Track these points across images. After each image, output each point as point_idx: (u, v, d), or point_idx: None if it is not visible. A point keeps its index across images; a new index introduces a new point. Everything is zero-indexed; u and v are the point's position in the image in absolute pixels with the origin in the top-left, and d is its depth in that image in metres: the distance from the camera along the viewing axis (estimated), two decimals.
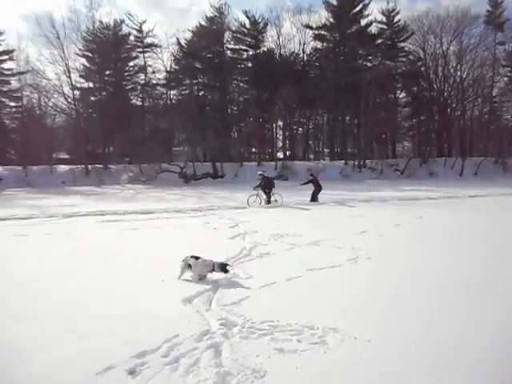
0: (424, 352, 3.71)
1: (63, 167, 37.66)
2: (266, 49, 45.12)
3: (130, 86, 44.16)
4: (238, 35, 44.37)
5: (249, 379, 3.30)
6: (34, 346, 3.90)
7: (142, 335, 4.05)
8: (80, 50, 40.61)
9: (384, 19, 44.99)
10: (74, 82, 39.14)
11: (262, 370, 3.42)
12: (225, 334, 4.09)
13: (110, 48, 40.25)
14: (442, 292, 5.35)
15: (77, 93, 40.22)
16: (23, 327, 4.38)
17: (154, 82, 44.25)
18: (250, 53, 45.00)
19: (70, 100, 39.07)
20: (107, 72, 42.00)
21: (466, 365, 3.49)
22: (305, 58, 46.55)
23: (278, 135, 49.04)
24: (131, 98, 44.66)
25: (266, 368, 3.45)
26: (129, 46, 43.30)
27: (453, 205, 16.27)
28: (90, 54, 41.11)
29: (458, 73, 44.32)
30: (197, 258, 6.10)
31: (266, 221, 12.36)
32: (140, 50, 43.42)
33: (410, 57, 45.32)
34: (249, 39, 44.30)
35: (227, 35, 43.89)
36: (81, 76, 41.64)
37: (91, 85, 42.53)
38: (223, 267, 6.04)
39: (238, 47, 45.01)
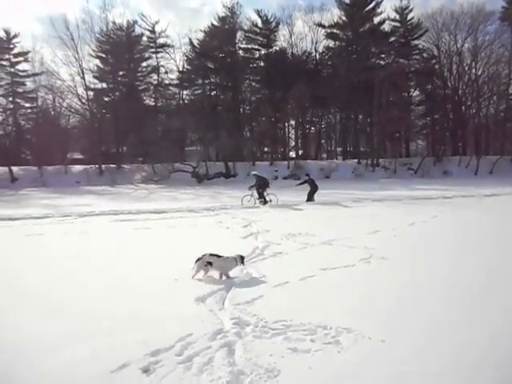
0: (438, 352, 3.67)
1: (77, 167, 38.08)
2: (278, 48, 45.07)
3: (143, 87, 44.47)
4: (250, 35, 44.37)
5: (262, 378, 3.29)
6: (51, 345, 3.94)
7: (155, 334, 4.07)
8: (94, 51, 41.09)
9: (397, 17, 44.59)
10: (87, 83, 39.62)
11: (275, 369, 3.42)
12: (238, 333, 4.09)
13: (123, 49, 40.60)
14: (460, 292, 5.28)
15: (91, 93, 40.70)
16: (40, 326, 4.43)
17: (167, 82, 44.58)
18: (262, 52, 44.96)
19: (83, 101, 39.52)
20: (120, 73, 42.36)
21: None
22: (317, 56, 46.41)
23: (290, 134, 49.00)
24: (144, 98, 44.98)
25: (280, 367, 3.44)
26: (142, 47, 43.61)
27: (468, 204, 16.06)
28: (104, 55, 41.52)
29: (473, 70, 43.75)
30: (218, 256, 6.17)
31: (279, 220, 12.34)
32: (153, 50, 43.71)
33: (424, 54, 44.81)
34: (261, 38, 44.27)
35: (239, 35, 43.99)
36: (94, 77, 42.09)
37: (105, 85, 42.97)
38: (242, 259, 6.33)
39: (250, 47, 45.01)
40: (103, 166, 37.46)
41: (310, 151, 49.70)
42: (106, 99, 43.17)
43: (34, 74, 41.60)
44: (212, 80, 44.19)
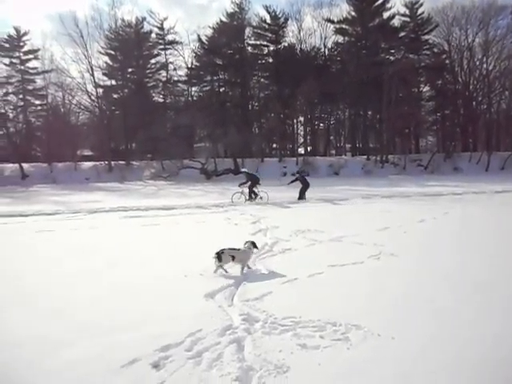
0: (447, 351, 3.65)
1: (87, 164, 38.32)
2: (286, 44, 44.86)
3: (151, 83, 44.57)
4: (259, 31, 44.22)
5: (271, 374, 3.30)
6: (62, 341, 3.98)
7: (165, 329, 4.09)
8: (103, 48, 41.23)
9: (407, 12, 44.16)
10: (97, 80, 39.81)
11: (284, 365, 3.43)
12: (247, 329, 4.10)
13: (132, 46, 40.69)
14: (470, 290, 5.24)
15: (100, 90, 40.84)
16: (51, 322, 4.48)
17: (176, 78, 44.64)
18: (271, 48, 44.80)
19: (93, 98, 39.74)
20: (129, 69, 42.48)
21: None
22: (326, 52, 46.12)
23: (299, 131, 48.80)
24: (153, 94, 45.10)
25: (289, 364, 3.45)
26: (150, 44, 43.68)
27: (479, 201, 15.90)
28: (113, 52, 41.65)
29: (484, 65, 43.16)
30: (235, 249, 6.30)
31: (288, 217, 12.34)
32: (161, 47, 43.76)
33: (434, 49, 44.34)
34: (269, 34, 44.10)
35: (248, 31, 43.87)
36: (104, 74, 42.25)
37: (114, 82, 43.11)
38: (255, 245, 6.66)
39: (258, 43, 44.85)
40: (112, 162, 37.65)
41: (319, 147, 49.52)
42: (115, 96, 43.32)
43: (44, 72, 41.87)
44: (220, 76, 44.15)
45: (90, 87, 39.53)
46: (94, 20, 39.62)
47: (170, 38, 43.53)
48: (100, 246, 8.61)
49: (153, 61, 44.40)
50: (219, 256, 6.12)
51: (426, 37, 44.33)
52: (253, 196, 16.80)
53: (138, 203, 16.73)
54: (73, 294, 5.39)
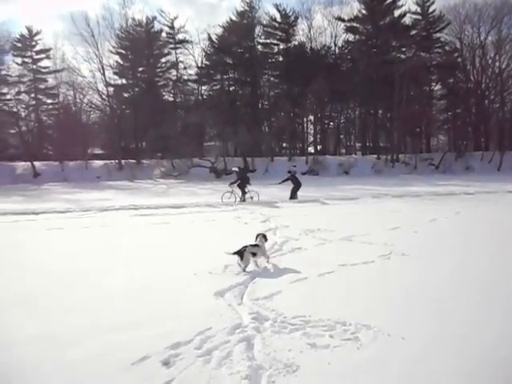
0: (461, 352, 3.61)
1: (98, 162, 38.64)
2: (297, 42, 44.83)
3: (162, 82, 44.79)
4: (269, 29, 44.19)
5: (281, 373, 3.29)
6: (73, 338, 4.01)
7: (175, 327, 4.10)
8: (113, 47, 41.60)
9: (418, 9, 43.86)
10: (107, 79, 40.22)
11: (294, 364, 3.41)
12: (257, 328, 4.09)
13: (143, 45, 40.93)
14: (485, 291, 5.18)
15: (111, 89, 41.19)
16: (62, 319, 4.52)
17: (186, 77, 44.86)
18: (281, 47, 44.76)
19: (104, 96, 40.12)
20: (140, 69, 42.74)
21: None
22: (336, 50, 46.02)
23: (308, 129, 48.73)
24: (163, 93, 45.33)
25: (299, 363, 3.43)
26: (161, 43, 43.89)
27: (491, 200, 15.73)
28: (124, 51, 41.94)
29: (497, 63, 42.75)
30: (256, 245, 6.39)
31: (297, 216, 12.30)
32: (172, 46, 43.96)
33: (446, 48, 43.94)
34: (280, 33, 44.06)
35: (258, 29, 43.94)
36: (114, 73, 42.61)
37: (124, 81, 43.44)
38: (266, 237, 6.82)
39: (268, 41, 44.85)
40: (123, 161, 37.92)
41: (329, 146, 49.39)
42: (126, 95, 43.63)
43: (56, 71, 42.35)
44: (230, 75, 44.23)
45: (100, 86, 40.00)
46: (105, 19, 40.22)
47: (180, 37, 43.84)
48: (110, 244, 8.66)
49: (163, 60, 44.64)
50: (242, 254, 6.15)
51: (438, 35, 43.99)
52: (250, 196, 16.69)
53: (148, 201, 16.83)
54: (83, 291, 5.43)
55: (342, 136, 50.63)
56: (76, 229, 10.78)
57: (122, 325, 4.25)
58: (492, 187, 20.45)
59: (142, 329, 4.12)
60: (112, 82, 42.17)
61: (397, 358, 3.51)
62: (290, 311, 4.46)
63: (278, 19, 44.05)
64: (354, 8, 44.60)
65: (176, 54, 43.92)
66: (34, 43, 42.34)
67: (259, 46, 44.47)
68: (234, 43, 42.08)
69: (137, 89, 42.50)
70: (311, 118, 45.93)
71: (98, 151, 45.11)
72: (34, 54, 42.42)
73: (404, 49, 44.08)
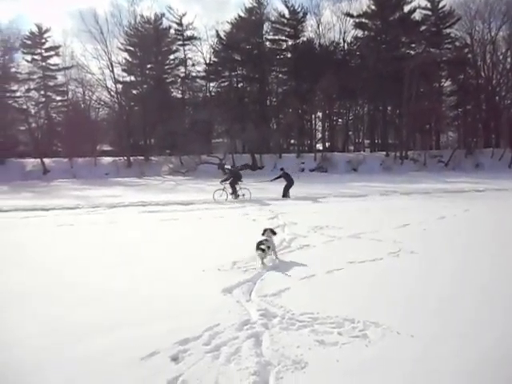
0: (470, 351, 3.59)
1: (106, 159, 38.82)
2: (305, 39, 44.50)
3: (170, 79, 44.80)
4: (277, 25, 43.97)
5: (289, 370, 3.30)
6: (82, 333, 4.05)
7: (184, 323, 4.12)
8: (122, 44, 41.64)
9: (428, 5, 43.32)
10: (116, 76, 40.27)
11: (302, 361, 3.42)
12: (265, 325, 4.11)
13: (151, 42, 40.93)
14: (495, 290, 5.14)
15: (119, 86, 41.25)
16: (70, 315, 4.56)
17: (194, 74, 44.82)
18: (290, 43, 44.52)
19: (112, 93, 40.21)
20: (148, 65, 42.76)
21: None
22: (345, 47, 45.61)
23: (317, 126, 48.53)
24: (172, 90, 45.33)
25: (307, 359, 3.44)
26: (169, 40, 43.87)
27: (501, 198, 15.60)
28: (132, 48, 41.98)
29: (508, 59, 42.09)
30: (267, 240, 6.56)
31: (306, 213, 12.28)
32: (180, 43, 43.91)
33: (456, 43, 43.40)
34: (288, 29, 43.81)
35: (266, 26, 43.69)
36: (123, 70, 42.68)
37: (133, 78, 43.49)
38: (274, 231, 7.05)
39: (277, 38, 44.62)
40: (131, 157, 38.06)
41: (337, 143, 49.14)
42: (135, 92, 43.71)
43: (65, 68, 42.57)
44: (239, 72, 44.12)
45: (109, 83, 40.07)
46: (113, 16, 40.13)
47: (188, 33, 43.71)
48: (119, 241, 8.71)
49: (171, 57, 44.61)
50: (263, 248, 6.27)
51: (448, 30, 43.44)
52: (241, 194, 16.59)
53: (156, 198, 16.90)
54: (90, 287, 5.47)
55: (350, 133, 50.34)
56: (85, 225, 10.87)
57: (131, 320, 4.28)
58: (502, 184, 20.25)
59: (151, 324, 4.15)
60: (121, 79, 42.28)
61: (405, 356, 3.50)
62: (298, 308, 4.46)
63: (287, 15, 43.80)
64: (363, 3, 44.21)
65: (184, 50, 43.91)
66: (43, 41, 42.52)
67: (267, 43, 44.28)
68: (243, 40, 41.95)
69: (145, 86, 42.54)
70: (319, 114, 45.70)
71: (106, 148, 45.32)
72: (43, 51, 42.60)
73: (414, 45, 43.64)
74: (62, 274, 6.16)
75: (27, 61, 42.46)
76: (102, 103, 42.75)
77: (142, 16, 42.30)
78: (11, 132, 40.30)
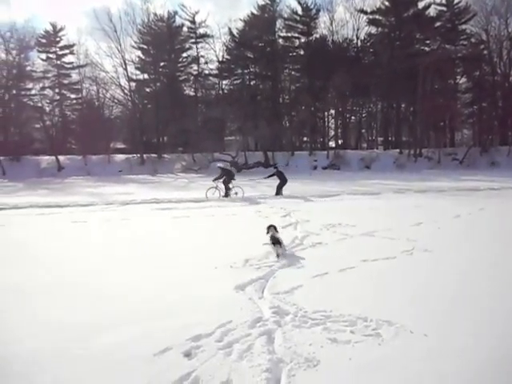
0: (484, 351, 3.54)
1: (120, 156, 39.17)
2: (318, 36, 44.27)
3: (183, 77, 44.95)
4: (290, 23, 43.80)
5: (301, 367, 3.29)
6: (96, 328, 4.10)
7: (196, 320, 4.14)
8: (135, 42, 41.92)
9: (443, 1, 42.73)
10: (130, 74, 40.62)
11: (314, 359, 3.41)
12: (277, 322, 4.10)
13: (164, 40, 41.12)
14: (507, 289, 5.07)
15: (133, 84, 41.57)
16: (85, 310, 4.61)
17: (207, 72, 44.89)
18: (302, 40, 44.34)
19: (126, 91, 40.56)
20: (161, 63, 42.98)
21: None
22: (358, 44, 45.28)
23: (330, 124, 48.29)
24: (184, 88, 45.49)
25: (319, 357, 3.43)
26: (182, 38, 44.01)
27: None
28: (145, 46, 42.23)
29: None
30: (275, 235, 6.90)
31: (318, 210, 12.23)
32: (193, 40, 44.02)
33: (472, 40, 42.74)
34: (301, 26, 43.62)
35: (279, 23, 43.58)
36: (136, 68, 42.95)
37: (146, 76, 43.75)
38: (276, 228, 7.34)
39: (289, 35, 44.46)
40: (145, 155, 38.34)
41: (350, 141, 48.87)
42: (148, 90, 43.98)
43: (79, 66, 43.02)
44: (251, 70, 44.08)
45: (123, 81, 40.45)
46: (127, 15, 40.48)
47: (201, 31, 43.80)
48: (131, 238, 8.78)
49: (184, 54, 44.76)
50: (279, 242, 6.60)
51: (464, 26, 42.82)
52: (234, 192, 16.48)
53: (169, 195, 16.97)
54: (103, 283, 5.53)
55: (363, 130, 50.03)
56: (99, 222, 10.97)
57: (143, 316, 4.32)
58: None
59: (163, 320, 4.18)
60: (134, 76, 42.58)
61: (419, 355, 3.47)
62: (310, 306, 4.45)
63: (300, 12, 43.60)
64: (377, 0, 43.88)
65: (197, 48, 43.99)
66: (58, 39, 42.97)
67: (280, 40, 44.16)
68: (255, 37, 41.89)
69: (158, 84, 42.78)
70: (332, 112, 45.46)
71: (120, 145, 45.74)
72: (58, 49, 43.05)
73: (428, 41, 43.11)
74: (75, 269, 6.23)
75: (42, 59, 43.01)
76: (116, 101, 43.14)
77: (155, 14, 42.60)
78: (26, 130, 40.88)
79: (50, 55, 43.07)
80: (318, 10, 44.01)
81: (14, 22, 59.99)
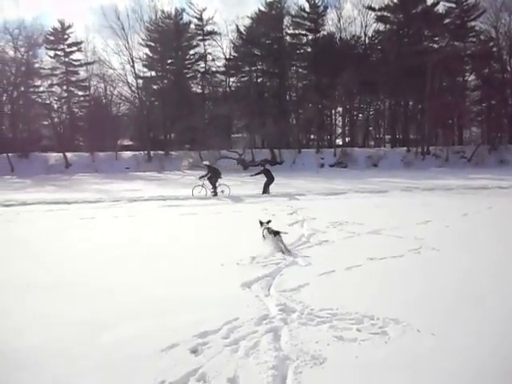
0: (490, 350, 3.52)
1: (127, 153, 39.30)
2: (326, 33, 44.03)
3: (190, 74, 44.96)
4: (298, 20, 43.61)
5: (308, 365, 3.30)
6: (104, 323, 4.13)
7: (203, 316, 4.16)
8: (143, 39, 41.96)
9: None
10: (137, 71, 40.68)
11: (321, 356, 3.41)
12: (284, 320, 4.11)
13: (172, 37, 41.15)
14: None
15: (140, 81, 41.64)
16: (93, 306, 4.65)
17: (214, 69, 44.87)
18: (310, 37, 44.11)
19: (133, 89, 40.65)
20: (169, 61, 43.02)
21: None
22: (366, 41, 44.98)
23: (337, 121, 48.11)
24: (191, 85, 45.49)
25: (326, 355, 3.43)
26: (189, 35, 44.00)
27: None
28: (153, 44, 42.27)
29: None
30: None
31: (325, 208, 12.22)
32: (200, 38, 43.99)
33: (481, 37, 42.28)
34: (308, 23, 43.41)
35: (286, 20, 43.39)
36: (144, 65, 43.05)
37: (153, 73, 43.80)
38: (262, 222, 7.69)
39: (297, 32, 44.26)
40: (152, 152, 38.44)
41: (358, 138, 48.64)
42: (155, 87, 44.03)
43: (87, 64, 43.15)
44: (258, 67, 44.00)
45: (130, 78, 40.52)
46: (134, 12, 40.81)
47: (208, 28, 43.74)
48: (139, 235, 8.82)
49: (191, 52, 44.73)
50: (279, 233, 6.96)
51: (473, 23, 42.35)
52: (220, 190, 16.45)
53: (176, 192, 17.02)
54: (111, 280, 5.56)
55: (371, 128, 49.79)
56: (106, 218, 11.03)
57: (150, 312, 4.34)
58: None
59: (170, 317, 4.20)
60: (141, 74, 42.66)
61: (426, 354, 3.46)
62: (317, 303, 4.45)
63: (307, 9, 43.38)
64: None
65: (204, 45, 43.97)
66: (66, 36, 43.10)
67: (287, 37, 43.99)
68: (263, 34, 41.77)
69: (165, 81, 42.83)
70: (340, 109, 45.30)
71: (127, 142, 45.89)
72: (66, 47, 43.18)
73: (437, 38, 42.72)
74: (85, 265, 6.27)
75: (50, 56, 43.16)
76: (123, 98, 43.24)
77: (162, 11, 42.61)
78: (34, 127, 41.15)
79: (58, 52, 43.22)
80: (326, 7, 43.85)
81: (22, 20, 60.46)
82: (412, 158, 37.73)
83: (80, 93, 45.27)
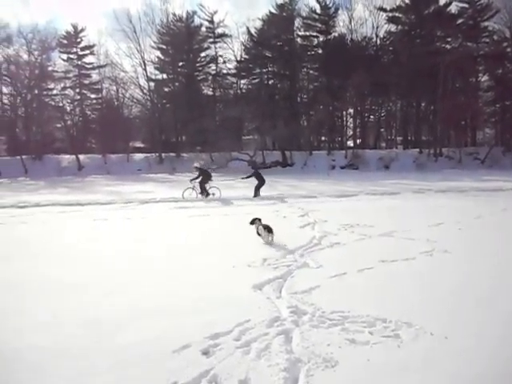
0: (504, 354, 3.48)
1: (139, 155, 39.56)
2: (337, 34, 43.86)
3: (201, 77, 45.11)
4: (309, 21, 43.51)
5: (319, 367, 3.28)
6: (117, 324, 4.17)
7: (214, 318, 4.17)
8: (155, 42, 42.24)
9: None
10: (149, 74, 40.97)
11: (332, 359, 3.40)
12: (295, 322, 4.10)
13: (183, 40, 41.33)
14: None
15: (152, 84, 41.90)
16: (105, 306, 4.68)
17: (225, 71, 44.96)
18: (321, 39, 43.99)
19: (145, 91, 40.94)
20: (180, 63, 43.21)
21: None
22: (378, 42, 44.70)
23: (348, 123, 47.87)
24: (203, 88, 45.64)
25: (337, 358, 3.42)
26: (201, 37, 44.16)
27: None
28: (164, 47, 42.52)
29: None
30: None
31: (336, 210, 12.17)
32: (211, 40, 44.13)
33: (495, 37, 41.79)
34: (319, 25, 43.31)
35: (297, 22, 43.25)
36: (155, 68, 43.28)
37: (165, 76, 44.04)
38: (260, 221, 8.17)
39: (308, 34, 44.14)
40: (163, 154, 38.67)
41: (369, 140, 48.37)
42: (166, 89, 44.27)
43: (99, 66, 43.57)
44: (269, 69, 43.97)
45: (142, 81, 40.82)
46: (146, 15, 40.84)
47: (219, 31, 43.83)
48: (150, 237, 8.87)
49: (203, 54, 44.89)
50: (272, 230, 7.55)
51: (486, 23, 41.86)
52: (212, 193, 16.40)
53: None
54: (123, 280, 5.60)
55: (382, 129, 49.47)
56: (119, 220, 11.12)
57: (162, 314, 4.36)
58: None
59: (182, 318, 4.22)
60: (153, 76, 42.90)
61: (439, 357, 3.43)
62: (328, 306, 4.44)
63: (318, 11, 43.27)
64: None
65: (215, 48, 44.10)
66: (78, 40, 43.57)
67: (298, 39, 43.89)
68: (274, 36, 41.75)
69: (177, 83, 43.04)
70: (351, 111, 45.03)
71: (139, 145, 46.20)
72: (78, 50, 43.65)
73: (449, 39, 42.29)
74: (101, 264, 6.33)
75: (63, 60, 43.64)
76: (135, 101, 43.56)
77: (174, 14, 42.85)
78: (48, 129, 41.61)
79: (71, 56, 43.71)
80: (337, 9, 43.69)
81: (36, 24, 60.84)
82: (424, 159, 37.39)
83: (92, 95, 45.73)
